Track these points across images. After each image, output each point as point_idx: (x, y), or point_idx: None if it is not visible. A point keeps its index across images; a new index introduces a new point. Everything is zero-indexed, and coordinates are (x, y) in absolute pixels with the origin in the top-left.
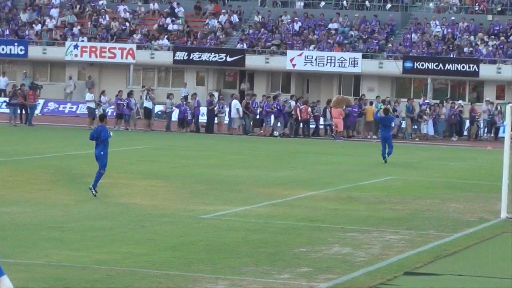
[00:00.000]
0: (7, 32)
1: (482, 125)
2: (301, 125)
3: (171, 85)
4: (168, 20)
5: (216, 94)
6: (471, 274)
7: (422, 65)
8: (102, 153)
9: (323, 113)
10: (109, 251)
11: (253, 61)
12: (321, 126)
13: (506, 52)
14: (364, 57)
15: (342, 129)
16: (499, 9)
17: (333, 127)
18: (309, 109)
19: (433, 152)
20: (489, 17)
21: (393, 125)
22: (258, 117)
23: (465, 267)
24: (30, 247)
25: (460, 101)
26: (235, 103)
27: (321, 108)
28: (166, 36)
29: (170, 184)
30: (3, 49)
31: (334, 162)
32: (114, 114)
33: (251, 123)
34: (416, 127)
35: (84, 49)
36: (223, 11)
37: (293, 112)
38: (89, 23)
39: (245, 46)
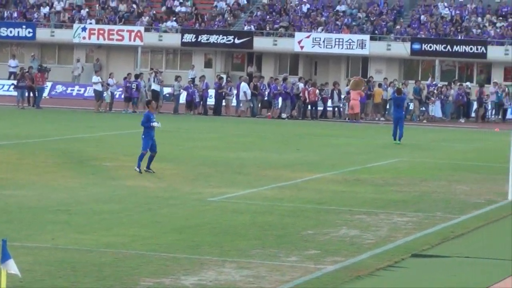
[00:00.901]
0: (15, 14)
1: (490, 107)
2: (309, 107)
3: (179, 67)
4: (176, 2)
5: (224, 76)
6: (478, 256)
7: (430, 47)
8: (142, 136)
9: (331, 95)
10: (116, 234)
11: (261, 43)
12: (329, 108)
13: None
14: (372, 39)
15: (359, 111)
16: None
17: (349, 109)
18: (317, 91)
19: (440, 134)
20: None
21: (405, 104)
22: (266, 99)
23: (472, 249)
24: (37, 230)
25: (467, 83)
26: (244, 85)
27: (329, 90)
28: (174, 18)
29: (177, 167)
30: (11, 32)
31: (341, 144)
32: (123, 96)
33: (259, 105)
34: (424, 109)
35: (92, 31)
36: None
37: (301, 94)
38: (97, 5)
39: (253, 28)
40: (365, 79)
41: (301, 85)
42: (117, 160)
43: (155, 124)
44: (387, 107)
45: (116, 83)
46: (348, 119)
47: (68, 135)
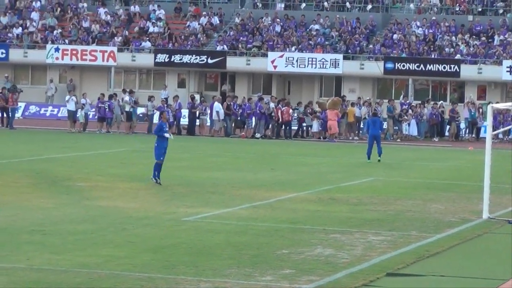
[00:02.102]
0: None
1: (463, 126)
2: (283, 126)
3: (152, 87)
4: (149, 23)
5: (197, 96)
6: (453, 274)
7: (403, 65)
8: (155, 145)
9: (304, 115)
10: (91, 254)
11: (234, 63)
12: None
13: (487, 52)
14: (345, 58)
15: (337, 131)
16: (480, 9)
17: (327, 130)
18: (291, 110)
19: (414, 152)
20: (470, 17)
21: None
22: (239, 118)
23: (448, 267)
24: (12, 250)
25: (441, 102)
26: (217, 105)
27: (302, 109)
28: (147, 39)
29: (151, 187)
30: None
31: (315, 163)
32: (96, 117)
33: (233, 125)
34: (397, 128)
35: (65, 52)
36: (204, 13)
37: (273, 114)
38: (70, 26)
39: (226, 48)
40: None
41: (272, 104)
42: (91, 180)
43: (166, 134)
44: (361, 126)
45: (91, 103)
46: (325, 138)
47: (42, 156)
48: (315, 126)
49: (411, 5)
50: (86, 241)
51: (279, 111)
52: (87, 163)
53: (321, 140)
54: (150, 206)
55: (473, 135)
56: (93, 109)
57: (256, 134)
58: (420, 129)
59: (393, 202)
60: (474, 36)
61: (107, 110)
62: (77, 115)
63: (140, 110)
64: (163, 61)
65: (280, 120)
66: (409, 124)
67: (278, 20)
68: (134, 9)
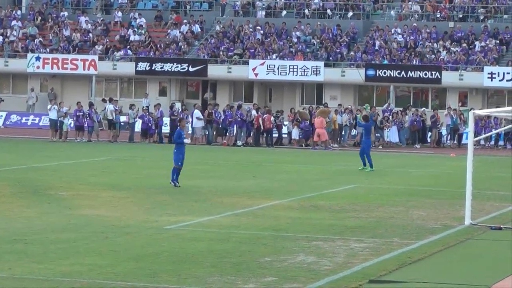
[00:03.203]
0: None
1: (445, 132)
2: (264, 134)
3: (134, 96)
4: (130, 31)
5: (178, 104)
6: (436, 281)
7: (384, 72)
8: (174, 151)
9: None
10: (73, 263)
11: (215, 71)
12: (285, 136)
13: (468, 58)
14: (326, 65)
15: (327, 138)
16: (461, 16)
17: (315, 137)
18: (272, 118)
19: (396, 159)
20: (451, 24)
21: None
22: (221, 126)
23: (430, 274)
24: None
25: (423, 108)
26: (197, 112)
27: (284, 117)
28: (128, 47)
29: (133, 195)
30: None
31: (297, 171)
32: (74, 126)
33: (214, 132)
34: (379, 134)
35: (46, 61)
36: (185, 21)
37: (254, 121)
38: (51, 34)
39: (207, 56)
40: (320, 106)
41: (254, 112)
42: (73, 189)
43: (186, 141)
44: (342, 133)
45: (69, 111)
46: (314, 146)
47: (24, 165)
48: (295, 134)
49: (392, 12)
50: (68, 250)
51: (259, 119)
52: (69, 172)
53: (302, 147)
54: (133, 214)
55: (455, 142)
56: (73, 118)
57: (238, 142)
58: (401, 136)
59: (375, 209)
60: (455, 43)
61: (87, 118)
62: (63, 124)
63: (122, 119)
64: (144, 69)
65: (262, 128)
66: (390, 131)
67: (259, 27)
68: (115, 18)
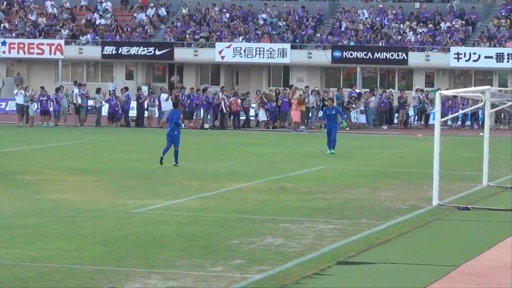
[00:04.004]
0: None
1: (412, 113)
2: (231, 117)
3: (100, 79)
4: (96, 15)
5: (145, 87)
6: (404, 262)
7: (351, 54)
8: (175, 132)
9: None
10: (41, 248)
11: (181, 54)
12: (252, 118)
13: (434, 39)
14: (293, 47)
15: (299, 120)
16: None
17: (291, 119)
18: (239, 101)
19: (363, 141)
20: (417, 4)
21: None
22: (187, 109)
23: (398, 255)
24: None
25: (390, 90)
26: (164, 96)
27: (251, 99)
28: (94, 31)
29: (101, 179)
30: None
31: (265, 153)
32: (39, 110)
33: (181, 116)
34: (346, 116)
35: (12, 45)
36: (151, 4)
37: (221, 104)
38: (17, 19)
39: (173, 39)
40: (287, 88)
41: (221, 95)
42: (41, 174)
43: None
44: (309, 115)
45: (33, 95)
46: (295, 128)
47: None
48: (262, 116)
49: None
50: (36, 234)
51: (222, 102)
52: (37, 156)
53: (269, 129)
54: (100, 198)
55: (422, 122)
56: (37, 103)
57: (205, 125)
58: (369, 117)
59: (342, 190)
60: (421, 24)
61: (54, 103)
62: (29, 109)
63: (89, 103)
64: (110, 53)
65: (229, 110)
66: (357, 112)
67: (225, 10)
68: (81, 2)
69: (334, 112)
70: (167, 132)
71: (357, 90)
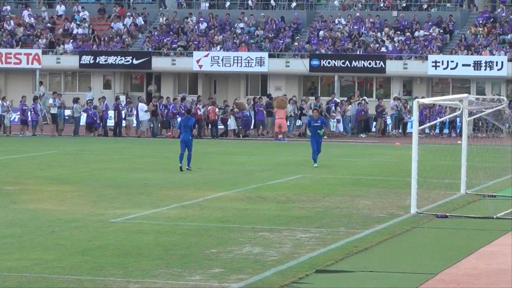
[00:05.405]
0: None
1: (390, 121)
2: (209, 126)
3: (78, 89)
4: (73, 24)
5: (123, 97)
6: (382, 270)
7: (329, 62)
8: (190, 137)
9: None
10: (19, 258)
11: (159, 63)
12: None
13: (412, 47)
14: (270, 56)
15: (286, 129)
16: (404, 5)
17: (276, 128)
18: (217, 110)
19: (341, 149)
20: (394, 13)
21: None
22: (165, 119)
23: (377, 263)
24: None
25: (364, 97)
26: (142, 105)
27: (229, 108)
28: (71, 41)
29: (79, 189)
30: None
31: (243, 162)
32: (20, 120)
33: (159, 125)
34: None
35: None
36: (128, 13)
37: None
38: None
39: (151, 49)
40: (264, 97)
41: (199, 104)
42: (19, 183)
43: None
44: (288, 124)
45: (10, 106)
46: (274, 137)
47: None
48: (232, 124)
49: (336, 2)
50: (14, 244)
51: (197, 111)
52: (15, 166)
53: (240, 138)
54: (78, 208)
55: (400, 131)
56: (17, 112)
57: None
58: (347, 126)
59: (321, 199)
60: (398, 32)
61: (32, 112)
62: (4, 119)
63: (67, 112)
64: (88, 62)
65: (207, 119)
66: (335, 121)
67: (202, 19)
68: (58, 11)
69: (319, 123)
70: (180, 139)
71: (336, 99)
